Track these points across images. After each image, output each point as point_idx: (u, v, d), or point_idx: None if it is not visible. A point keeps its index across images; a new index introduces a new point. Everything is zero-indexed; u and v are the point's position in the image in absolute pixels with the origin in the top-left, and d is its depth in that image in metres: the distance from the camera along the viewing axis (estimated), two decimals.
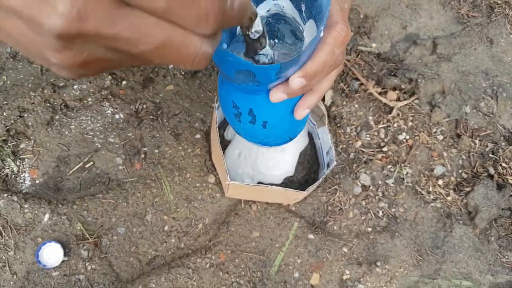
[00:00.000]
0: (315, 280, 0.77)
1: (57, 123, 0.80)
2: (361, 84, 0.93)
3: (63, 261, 0.71)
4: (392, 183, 0.86)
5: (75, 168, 0.78)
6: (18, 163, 0.77)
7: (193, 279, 0.74)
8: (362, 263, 0.79)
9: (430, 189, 0.87)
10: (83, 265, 0.72)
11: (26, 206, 0.73)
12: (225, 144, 0.80)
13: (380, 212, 0.84)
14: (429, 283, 0.79)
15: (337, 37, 0.43)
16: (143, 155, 0.81)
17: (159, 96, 0.87)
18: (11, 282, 0.69)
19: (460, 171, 0.89)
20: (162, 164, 0.81)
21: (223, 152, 0.75)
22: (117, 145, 0.81)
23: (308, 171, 0.81)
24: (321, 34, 0.41)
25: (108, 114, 0.83)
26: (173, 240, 0.77)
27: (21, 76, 0.84)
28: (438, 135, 0.91)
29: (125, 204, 0.77)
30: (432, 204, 0.85)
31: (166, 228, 0.77)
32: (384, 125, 0.91)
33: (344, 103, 0.92)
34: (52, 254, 0.71)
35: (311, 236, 0.80)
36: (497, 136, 0.92)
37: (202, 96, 0.89)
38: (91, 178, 0.78)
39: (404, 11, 1.04)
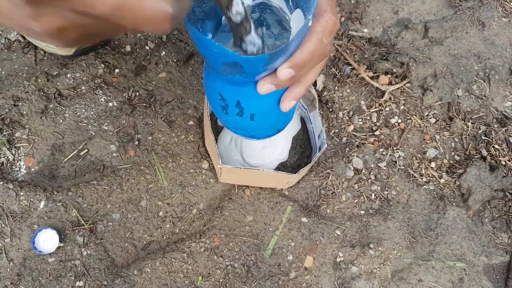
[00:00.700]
0: (309, 263, 0.78)
1: (51, 111, 0.81)
2: (353, 68, 0.93)
3: (58, 247, 0.72)
4: (385, 166, 0.87)
5: (70, 156, 0.79)
6: (13, 152, 0.77)
7: (188, 263, 0.75)
8: (355, 246, 0.80)
9: (423, 171, 0.87)
10: (79, 250, 0.73)
11: (21, 193, 0.74)
12: (218, 130, 0.81)
13: (373, 195, 0.85)
14: (422, 264, 0.80)
15: (325, 26, 0.42)
16: (136, 142, 0.81)
17: (152, 83, 0.87)
18: (8, 269, 0.70)
19: (453, 153, 0.89)
20: (156, 150, 0.81)
21: (216, 139, 0.76)
22: (111, 133, 0.81)
23: (300, 155, 0.82)
24: (309, 23, 0.40)
25: (102, 102, 0.83)
26: (167, 226, 0.77)
27: (16, 66, 0.85)
28: (430, 118, 0.92)
29: (119, 190, 0.77)
30: (425, 186, 0.86)
31: (160, 213, 0.78)
32: (376, 109, 0.91)
33: (336, 88, 0.93)
34: (48, 240, 0.72)
35: (304, 219, 0.80)
36: (490, 119, 0.92)
37: (195, 83, 0.89)
38: (86, 165, 0.79)
39: None
